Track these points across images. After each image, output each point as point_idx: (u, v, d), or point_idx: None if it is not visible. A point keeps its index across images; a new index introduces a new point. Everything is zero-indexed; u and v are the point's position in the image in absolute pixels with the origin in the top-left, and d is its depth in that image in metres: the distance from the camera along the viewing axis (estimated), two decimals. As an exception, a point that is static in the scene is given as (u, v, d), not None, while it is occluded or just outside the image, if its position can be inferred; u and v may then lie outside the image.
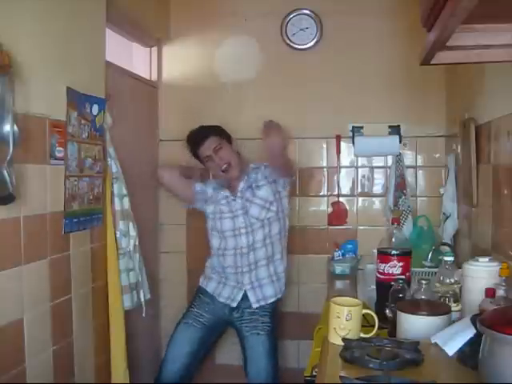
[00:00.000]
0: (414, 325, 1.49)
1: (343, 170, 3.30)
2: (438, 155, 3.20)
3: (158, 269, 3.41)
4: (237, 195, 2.56)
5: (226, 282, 2.59)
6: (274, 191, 2.55)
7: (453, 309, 1.60)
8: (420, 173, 3.24)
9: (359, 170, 3.29)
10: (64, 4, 2.11)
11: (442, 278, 1.76)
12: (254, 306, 2.55)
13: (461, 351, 1.34)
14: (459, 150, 2.68)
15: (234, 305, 2.57)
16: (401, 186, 3.14)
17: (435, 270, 2.25)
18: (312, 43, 3.26)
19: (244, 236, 2.53)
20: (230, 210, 2.56)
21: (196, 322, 2.61)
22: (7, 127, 1.65)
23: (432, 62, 1.45)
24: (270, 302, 2.57)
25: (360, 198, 3.30)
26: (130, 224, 2.51)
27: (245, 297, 2.56)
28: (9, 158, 1.66)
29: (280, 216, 2.58)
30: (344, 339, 1.43)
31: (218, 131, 2.58)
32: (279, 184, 2.58)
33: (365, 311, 1.55)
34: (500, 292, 1.45)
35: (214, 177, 2.72)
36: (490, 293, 1.46)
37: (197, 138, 2.57)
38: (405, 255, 1.91)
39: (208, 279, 2.66)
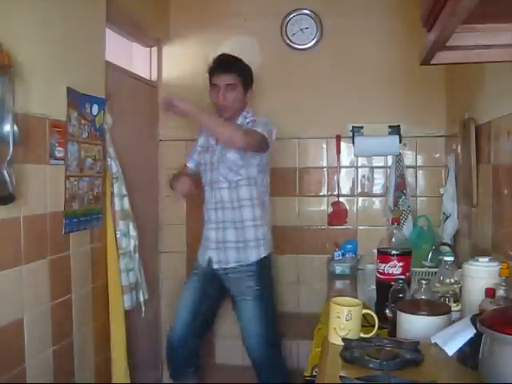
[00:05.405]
0: (414, 325, 1.49)
1: (343, 170, 3.30)
2: (437, 155, 3.20)
3: (158, 269, 3.41)
4: (217, 147, 2.48)
5: (204, 242, 2.59)
6: (242, 157, 2.41)
7: (453, 309, 1.59)
8: (420, 173, 3.24)
9: (359, 169, 3.29)
10: (64, 4, 2.12)
11: (442, 278, 1.75)
12: (214, 266, 2.52)
13: (461, 351, 1.34)
14: (459, 150, 2.68)
15: (213, 266, 2.53)
16: (401, 186, 3.14)
17: (435, 270, 2.24)
18: (312, 43, 3.26)
19: (217, 191, 2.49)
20: (210, 160, 2.50)
21: (195, 276, 2.62)
22: (7, 127, 1.66)
23: (432, 62, 1.45)
24: (231, 265, 2.50)
25: (360, 198, 3.30)
26: (130, 224, 2.51)
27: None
28: (9, 158, 1.66)
29: (251, 183, 2.48)
30: (344, 339, 1.43)
31: (243, 71, 2.39)
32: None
33: (365, 311, 1.54)
34: (500, 292, 1.45)
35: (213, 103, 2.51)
36: (489, 293, 1.46)
37: (218, 65, 2.39)
38: (405, 255, 1.90)
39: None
